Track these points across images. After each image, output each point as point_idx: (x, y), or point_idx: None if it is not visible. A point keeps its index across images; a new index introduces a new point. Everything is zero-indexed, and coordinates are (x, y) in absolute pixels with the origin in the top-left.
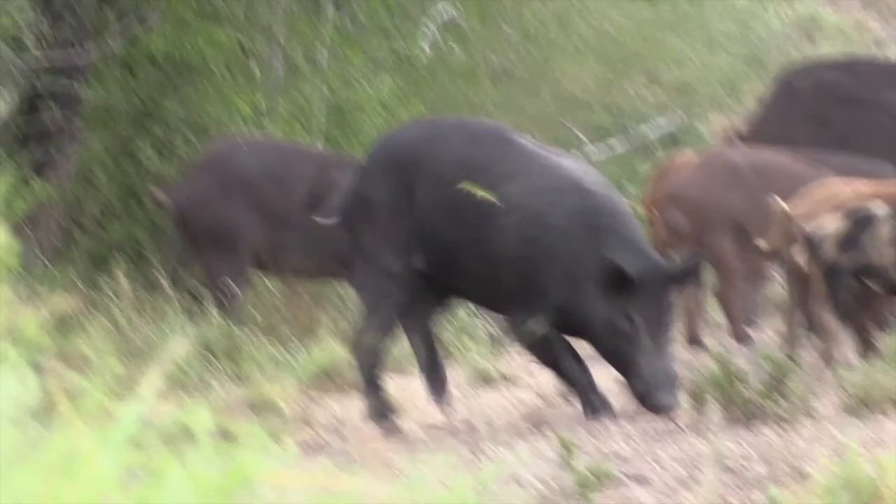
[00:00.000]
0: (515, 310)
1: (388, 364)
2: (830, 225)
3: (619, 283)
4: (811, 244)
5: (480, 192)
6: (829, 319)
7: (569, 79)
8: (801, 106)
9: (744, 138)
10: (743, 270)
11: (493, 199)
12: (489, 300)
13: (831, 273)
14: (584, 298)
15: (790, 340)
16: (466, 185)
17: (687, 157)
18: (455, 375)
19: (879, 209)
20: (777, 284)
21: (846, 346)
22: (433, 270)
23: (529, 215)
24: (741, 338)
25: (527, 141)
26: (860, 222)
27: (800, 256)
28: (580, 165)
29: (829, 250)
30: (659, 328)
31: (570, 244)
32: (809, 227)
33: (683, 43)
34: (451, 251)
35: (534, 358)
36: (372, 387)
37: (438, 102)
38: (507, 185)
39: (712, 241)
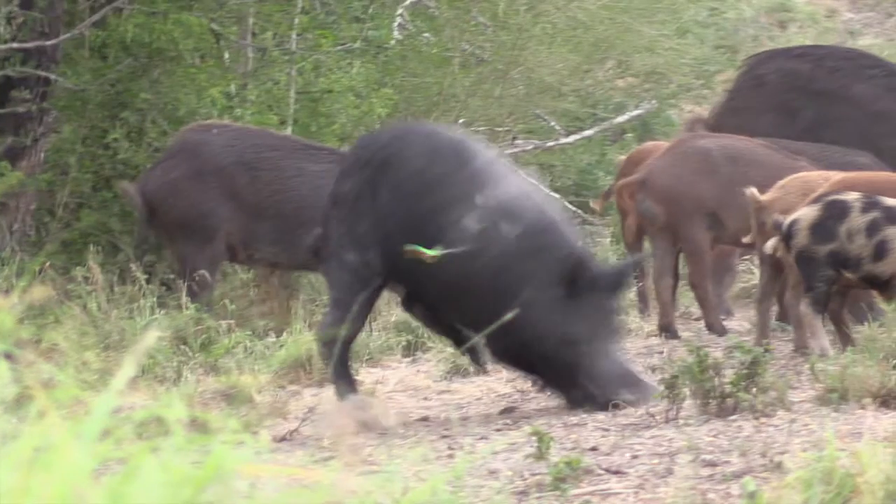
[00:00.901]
0: (462, 325)
1: (365, 357)
2: (803, 214)
3: (576, 290)
4: (784, 234)
5: (426, 252)
6: (804, 310)
7: (540, 65)
8: (768, 95)
9: (711, 127)
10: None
11: (438, 257)
12: (439, 311)
13: (805, 262)
14: (536, 313)
15: (761, 330)
16: (409, 247)
17: (658, 145)
18: (430, 367)
19: (852, 198)
20: (749, 273)
21: (823, 336)
22: (387, 272)
23: (480, 238)
24: (715, 328)
25: (484, 157)
26: (834, 211)
27: (773, 247)
28: (530, 184)
29: (803, 239)
30: (607, 331)
31: (519, 265)
32: (782, 218)
33: (655, 30)
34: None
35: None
36: (338, 375)
37: (409, 89)
38: (457, 210)
39: (686, 230)
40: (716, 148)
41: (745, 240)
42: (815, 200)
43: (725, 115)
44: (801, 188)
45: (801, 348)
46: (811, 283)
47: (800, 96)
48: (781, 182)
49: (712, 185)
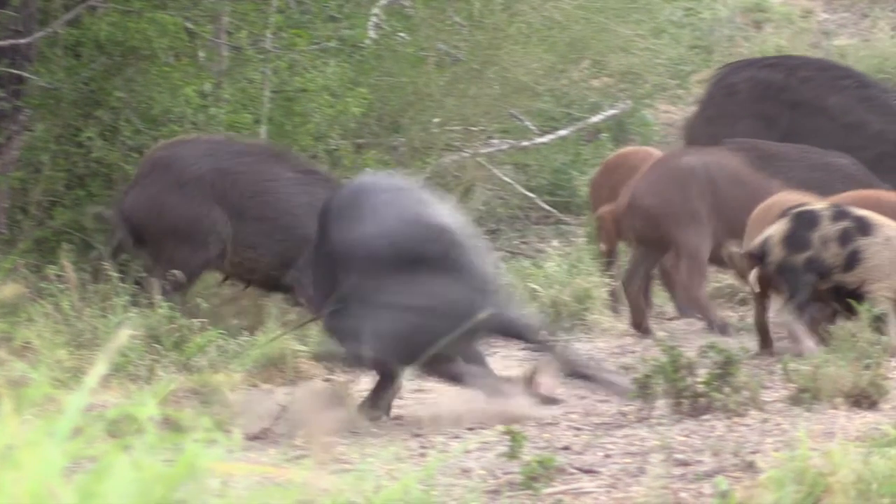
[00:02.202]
0: None
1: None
2: (774, 230)
3: None
4: (759, 255)
5: None
6: (787, 318)
7: (515, 65)
8: (741, 104)
9: (686, 137)
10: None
11: None
12: None
13: (786, 273)
14: None
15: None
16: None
17: (636, 153)
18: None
19: (821, 207)
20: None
21: (808, 338)
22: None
23: None
24: (721, 328)
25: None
26: (803, 221)
27: (755, 279)
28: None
29: (778, 252)
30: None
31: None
32: (753, 244)
33: (630, 30)
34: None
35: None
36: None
37: (384, 88)
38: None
39: (681, 238)
40: (699, 166)
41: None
42: (783, 215)
43: (700, 125)
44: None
45: (765, 349)
46: (794, 291)
47: (774, 106)
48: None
49: (699, 202)
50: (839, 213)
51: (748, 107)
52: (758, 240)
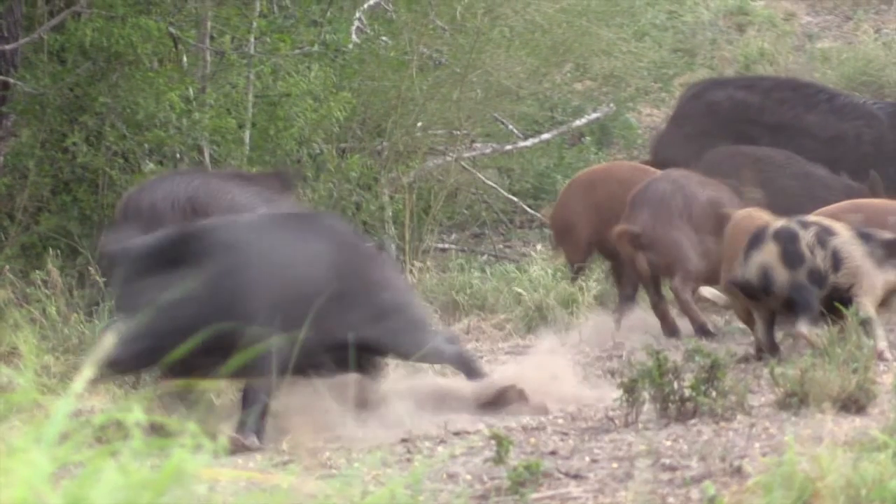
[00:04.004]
0: None
1: None
2: (765, 257)
3: None
4: (760, 289)
5: None
6: (807, 332)
7: (498, 69)
8: (722, 123)
9: (663, 156)
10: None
11: None
12: None
13: (800, 291)
14: None
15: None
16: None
17: (626, 167)
18: (390, 370)
19: (788, 221)
20: None
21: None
22: None
23: None
24: (705, 331)
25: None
26: (786, 237)
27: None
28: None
29: (783, 275)
30: None
31: None
32: (734, 278)
33: (612, 33)
34: None
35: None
36: None
37: (367, 92)
38: None
39: (674, 256)
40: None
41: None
42: (760, 240)
43: (679, 144)
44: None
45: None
46: (808, 305)
47: (754, 127)
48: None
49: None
50: (803, 223)
51: (730, 126)
52: (749, 272)
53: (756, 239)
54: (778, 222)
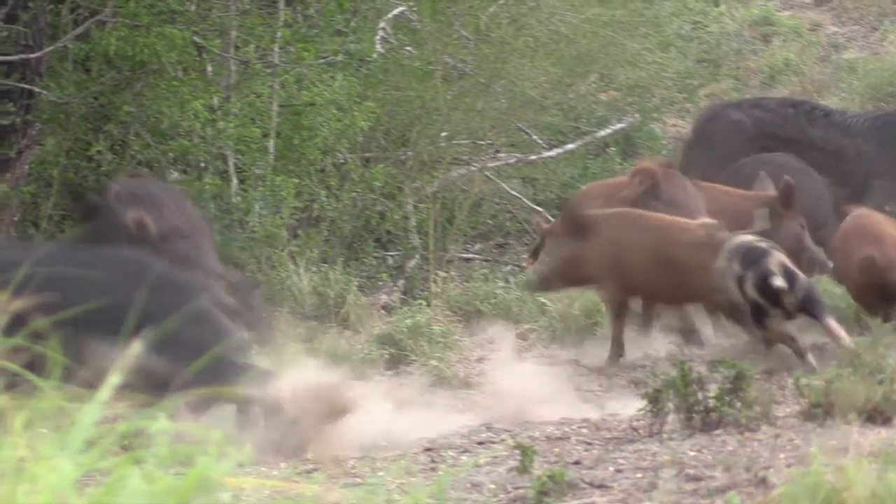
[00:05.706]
0: None
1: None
2: (775, 273)
3: None
4: (774, 299)
5: None
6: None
7: (522, 79)
8: (748, 140)
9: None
10: None
11: None
12: None
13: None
14: None
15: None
16: None
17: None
18: (412, 378)
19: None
20: None
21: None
22: None
23: None
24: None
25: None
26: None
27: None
28: None
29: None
30: None
31: None
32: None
33: (637, 44)
34: None
35: None
36: None
37: (392, 102)
38: None
39: None
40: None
41: None
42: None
43: (712, 164)
44: None
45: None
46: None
47: (773, 142)
48: None
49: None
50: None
51: (755, 142)
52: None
53: (749, 254)
54: (742, 240)
